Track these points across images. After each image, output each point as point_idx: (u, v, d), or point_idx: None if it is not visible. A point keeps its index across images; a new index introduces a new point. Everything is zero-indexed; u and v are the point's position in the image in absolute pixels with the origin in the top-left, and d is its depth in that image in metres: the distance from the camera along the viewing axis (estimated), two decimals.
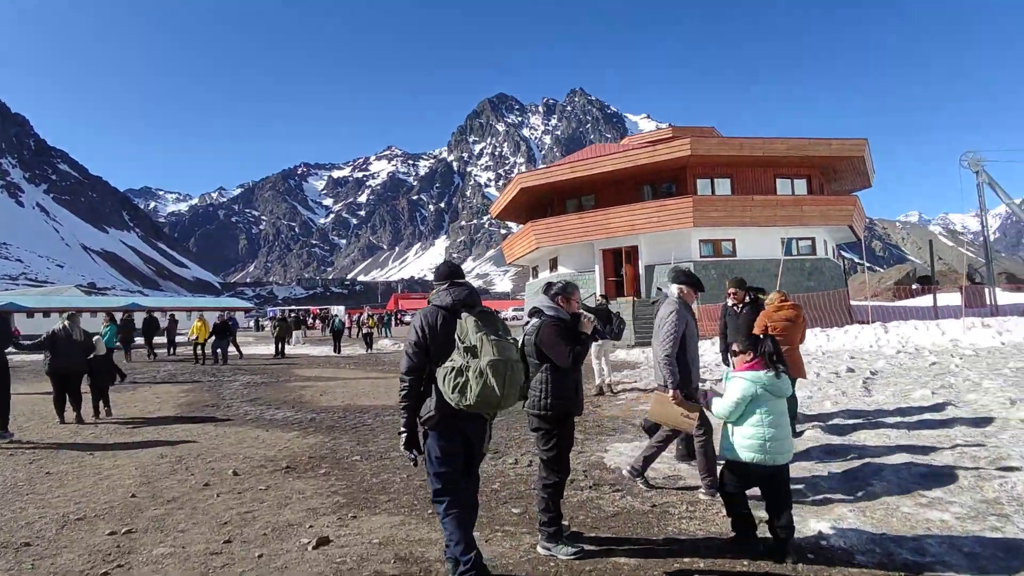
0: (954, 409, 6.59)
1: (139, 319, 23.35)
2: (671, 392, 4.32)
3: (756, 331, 6.12)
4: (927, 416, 6.29)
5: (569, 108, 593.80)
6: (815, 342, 13.73)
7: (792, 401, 6.71)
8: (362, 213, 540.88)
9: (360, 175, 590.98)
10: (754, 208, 23.35)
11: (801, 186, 25.94)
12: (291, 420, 8.41)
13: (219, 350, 18.96)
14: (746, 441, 3.33)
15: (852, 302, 26.91)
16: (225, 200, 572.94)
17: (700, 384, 4.42)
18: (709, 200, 23.28)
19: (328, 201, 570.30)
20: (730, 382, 3.49)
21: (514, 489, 4.79)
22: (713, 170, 24.81)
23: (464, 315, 2.98)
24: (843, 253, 35.62)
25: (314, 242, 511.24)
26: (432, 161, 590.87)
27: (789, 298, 6.57)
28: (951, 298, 39.33)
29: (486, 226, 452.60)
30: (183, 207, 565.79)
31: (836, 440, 5.73)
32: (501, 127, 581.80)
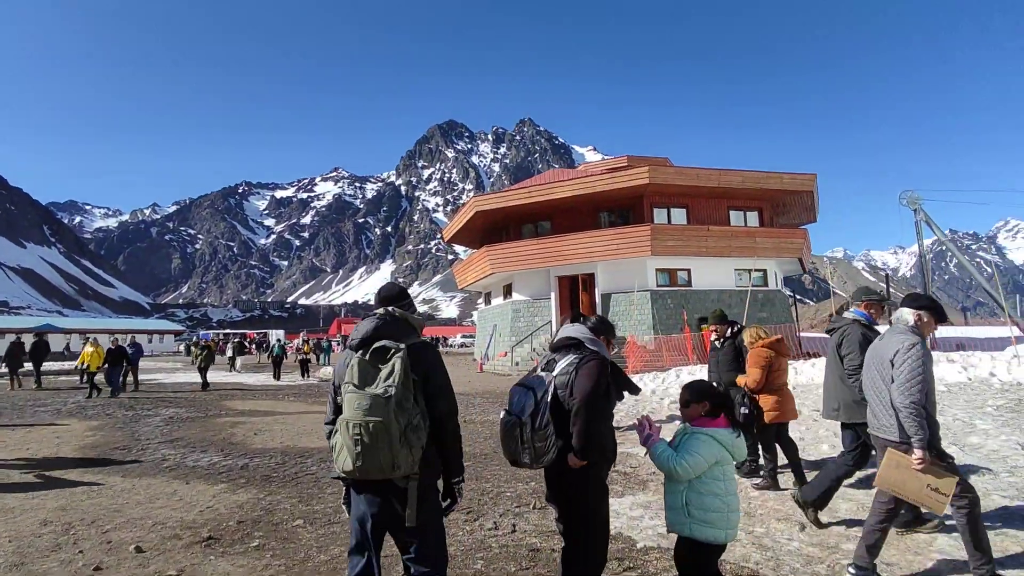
0: (962, 454, 6.07)
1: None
2: (917, 453, 3.23)
3: (750, 381, 5.41)
4: None
5: (518, 137, 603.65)
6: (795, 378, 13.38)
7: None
8: (305, 235, 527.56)
9: (305, 196, 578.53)
10: (710, 238, 23.38)
11: (753, 218, 26.31)
12: (218, 468, 7.12)
13: (114, 379, 16.49)
14: (710, 515, 2.64)
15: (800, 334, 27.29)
16: (159, 217, 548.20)
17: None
18: (666, 229, 23.16)
19: (270, 221, 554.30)
20: (692, 439, 2.78)
21: (502, 568, 3.83)
22: (670, 199, 24.83)
23: (351, 356, 2.44)
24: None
25: (254, 263, 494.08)
26: (380, 184, 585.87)
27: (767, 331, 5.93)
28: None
29: (433, 251, 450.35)
30: (112, 223, 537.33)
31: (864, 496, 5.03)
32: (451, 153, 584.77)
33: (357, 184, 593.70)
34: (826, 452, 6.69)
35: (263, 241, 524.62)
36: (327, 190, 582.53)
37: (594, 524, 2.85)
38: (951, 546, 3.82)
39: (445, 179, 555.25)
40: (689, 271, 23.98)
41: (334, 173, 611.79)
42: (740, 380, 5.74)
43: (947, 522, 4.00)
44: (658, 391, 13.52)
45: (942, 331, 30.87)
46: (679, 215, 25.12)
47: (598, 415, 2.77)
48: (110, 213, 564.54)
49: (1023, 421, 7.66)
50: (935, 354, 13.80)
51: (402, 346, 2.37)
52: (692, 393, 2.88)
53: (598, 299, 24.02)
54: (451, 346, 65.52)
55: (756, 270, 25.13)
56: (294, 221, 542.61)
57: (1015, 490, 4.83)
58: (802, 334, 34.16)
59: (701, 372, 14.96)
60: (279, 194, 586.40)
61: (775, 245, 24.39)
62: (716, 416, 2.80)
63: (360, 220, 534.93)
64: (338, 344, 65.18)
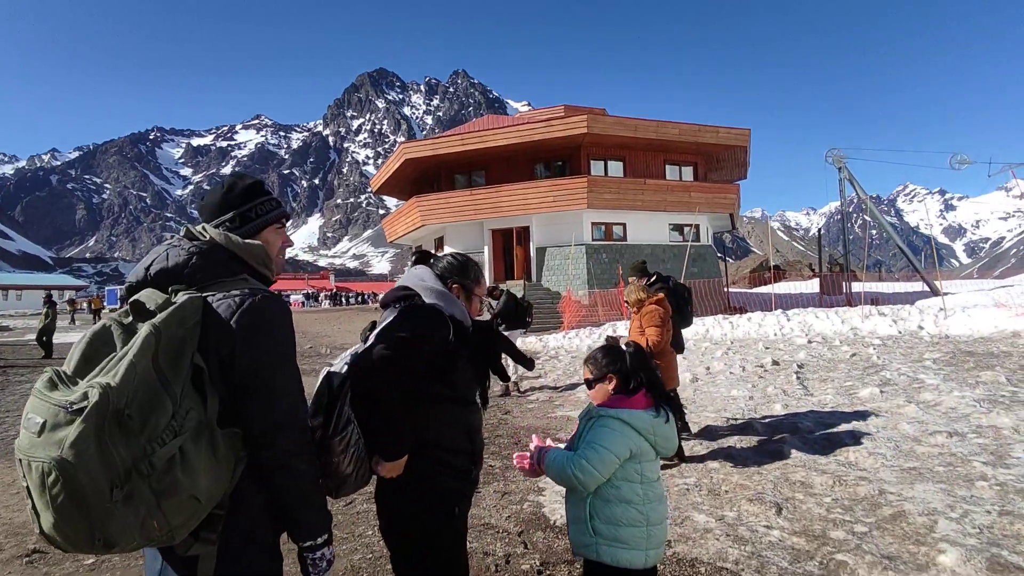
0: (921, 412, 5.69)
1: None
2: None
3: (652, 340, 4.66)
4: (906, 427, 5.28)
5: (452, 90, 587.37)
6: (720, 330, 13.11)
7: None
8: None
9: (224, 144, 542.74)
10: (646, 192, 22.95)
11: (688, 173, 26.10)
12: None
13: None
14: (622, 531, 1.88)
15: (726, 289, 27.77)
16: (59, 164, 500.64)
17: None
18: (603, 181, 22.50)
19: (187, 171, 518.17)
20: (598, 424, 1.97)
21: None
22: (607, 151, 24.13)
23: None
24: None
25: (169, 215, 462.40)
26: (306, 134, 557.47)
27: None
28: (799, 285, 42.74)
29: (364, 205, 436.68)
30: (8, 170, 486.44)
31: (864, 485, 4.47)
32: (381, 103, 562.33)
33: (282, 133, 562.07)
34: (778, 412, 6.20)
35: (179, 192, 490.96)
36: (249, 139, 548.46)
37: (425, 566, 1.81)
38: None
39: (376, 130, 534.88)
40: (625, 225, 23.56)
41: (256, 121, 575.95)
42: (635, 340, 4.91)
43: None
44: (593, 347, 12.97)
45: (857, 286, 32.30)
46: (616, 168, 24.53)
47: (395, 396, 1.69)
48: (5, 159, 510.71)
49: (964, 374, 7.49)
50: (865, 307, 13.93)
51: (181, 296, 1.30)
52: (596, 364, 2.05)
53: (533, 253, 23.28)
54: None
55: (690, 225, 25.07)
56: (213, 171, 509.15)
57: (989, 454, 4.40)
58: (728, 288, 34.95)
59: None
60: (196, 142, 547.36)
61: (709, 200, 24.27)
62: (633, 392, 1.97)
63: (285, 171, 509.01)
64: None
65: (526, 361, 4.85)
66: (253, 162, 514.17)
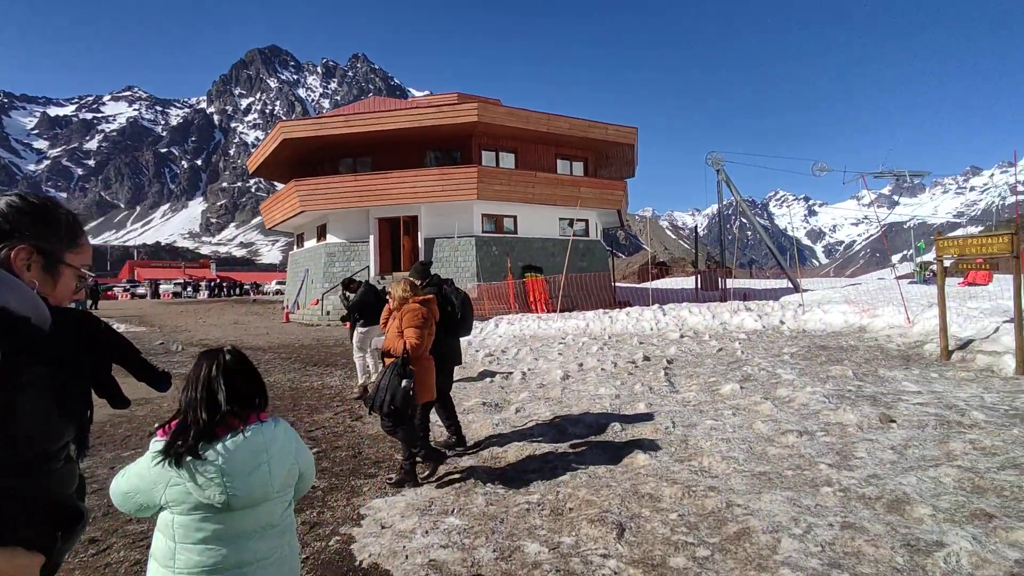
0: (775, 410, 5.66)
1: None
2: None
3: (410, 342, 4.12)
4: (761, 426, 5.18)
5: (351, 74, 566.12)
6: (599, 324, 13.08)
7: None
8: (91, 163, 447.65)
9: (89, 116, 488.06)
10: (537, 185, 22.82)
11: (579, 168, 26.35)
12: None
13: None
14: None
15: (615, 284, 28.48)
16: None
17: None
18: (494, 172, 22.10)
19: (41, 144, 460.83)
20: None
21: None
22: (499, 142, 23.76)
23: None
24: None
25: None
26: (187, 111, 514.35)
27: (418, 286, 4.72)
28: (682, 281, 45.07)
29: (253, 190, 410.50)
30: None
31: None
32: (273, 83, 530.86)
33: (158, 108, 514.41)
34: (641, 410, 5.97)
35: (32, 167, 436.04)
36: (119, 111, 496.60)
37: None
38: None
39: (267, 111, 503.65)
40: (515, 218, 23.31)
41: (128, 92, 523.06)
42: (390, 343, 4.33)
43: None
44: (474, 343, 12.46)
45: (732, 282, 34.38)
46: (508, 159, 24.24)
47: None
48: None
49: (817, 369, 7.74)
50: (734, 303, 14.49)
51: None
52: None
53: (421, 243, 22.44)
54: (266, 293, 59.79)
55: (579, 219, 25.31)
56: (75, 145, 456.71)
57: (835, 454, 4.32)
58: (616, 283, 35.93)
59: (523, 321, 14.27)
60: (53, 111, 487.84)
61: (598, 195, 24.60)
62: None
63: (163, 150, 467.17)
64: (125, 291, 56.07)
65: (154, 381, 3.29)
66: (124, 137, 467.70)
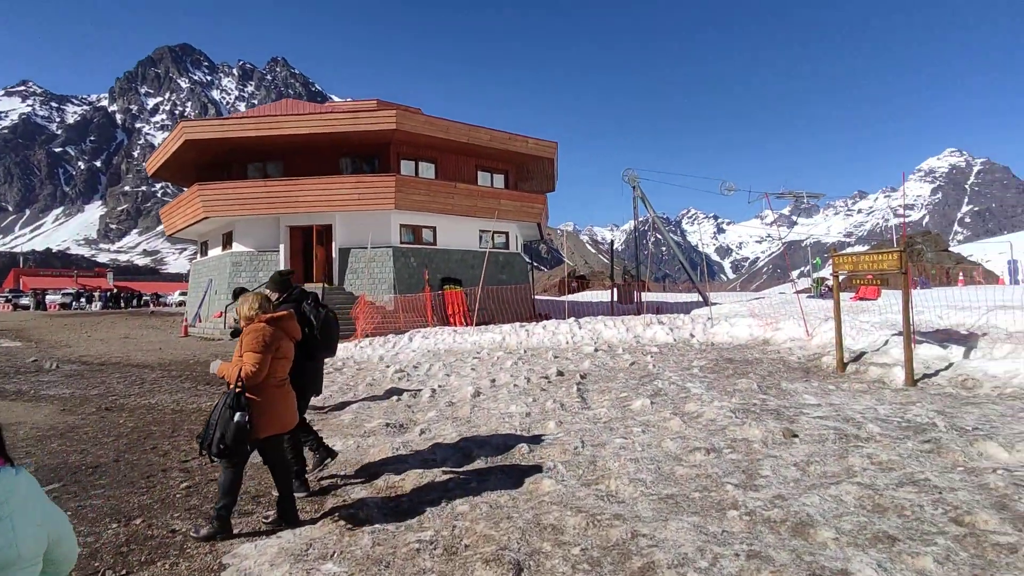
0: (685, 426, 5.59)
1: None
2: None
3: (247, 369, 3.58)
4: (669, 444, 5.07)
5: (269, 77, 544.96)
6: (516, 338, 12.87)
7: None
8: None
9: None
10: (457, 196, 22.53)
11: (499, 180, 26.31)
12: None
13: None
14: None
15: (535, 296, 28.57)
16: None
17: None
18: (413, 182, 21.60)
19: None
20: None
21: None
22: (418, 151, 23.32)
23: None
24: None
25: None
26: (86, 108, 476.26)
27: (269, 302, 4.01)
28: (601, 294, 46.16)
29: (159, 195, 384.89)
30: None
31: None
32: (184, 83, 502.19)
33: (53, 104, 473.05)
34: (551, 430, 5.74)
35: None
36: (11, 108, 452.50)
37: None
38: None
39: (177, 112, 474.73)
40: (435, 229, 22.88)
41: (22, 87, 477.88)
42: (223, 369, 3.74)
43: None
44: (386, 357, 11.91)
45: (647, 296, 35.44)
46: (427, 169, 23.83)
47: None
48: None
49: (724, 382, 7.84)
50: (648, 316, 14.72)
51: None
52: None
53: (335, 254, 21.54)
54: (167, 304, 55.78)
55: (500, 232, 25.22)
56: None
57: (741, 472, 4.24)
58: (535, 296, 36.12)
59: (438, 335, 13.83)
60: None
61: (518, 208, 24.60)
62: None
63: (57, 149, 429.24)
64: (8, 301, 50.48)
65: None
66: (15, 135, 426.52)
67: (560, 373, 8.72)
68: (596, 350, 11.27)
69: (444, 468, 4.71)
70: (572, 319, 14.23)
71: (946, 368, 7.74)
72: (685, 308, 23.82)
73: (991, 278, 43.27)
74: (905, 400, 6.50)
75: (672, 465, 4.48)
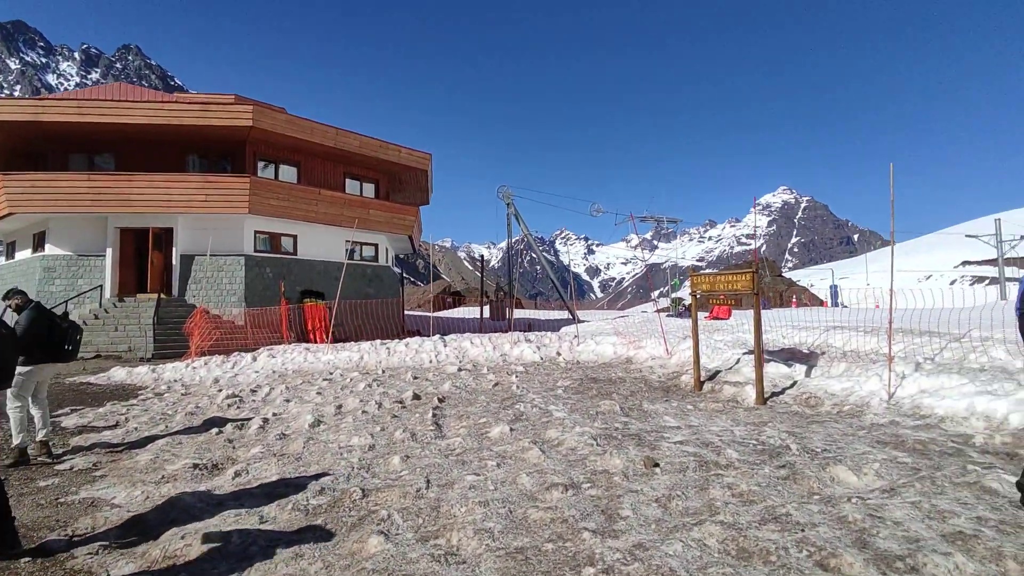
0: (544, 457, 5.10)
1: None
2: None
3: None
4: (525, 481, 4.53)
5: (119, 65, 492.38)
6: (375, 356, 11.92)
7: None
8: None
9: None
10: (322, 203, 21.05)
11: (369, 190, 25.10)
12: None
13: None
14: None
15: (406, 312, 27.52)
16: None
17: None
18: (270, 185, 19.85)
19: None
20: None
21: None
22: (279, 153, 21.55)
23: None
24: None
25: None
26: None
27: None
28: (475, 310, 46.07)
29: None
30: None
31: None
32: (15, 63, 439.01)
33: None
34: (395, 468, 4.99)
35: None
36: None
37: None
38: None
39: (3, 95, 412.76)
40: (295, 237, 21.18)
41: None
42: None
43: None
44: (222, 380, 10.43)
45: (519, 312, 35.70)
46: (289, 173, 22.08)
47: None
48: None
49: (587, 404, 7.55)
50: (515, 334, 14.41)
51: None
52: None
53: (176, 261, 19.13)
54: None
55: (368, 243, 23.98)
56: None
57: (600, 513, 3.78)
58: (408, 312, 35.05)
59: (288, 354, 12.50)
60: None
61: (388, 219, 23.55)
62: None
63: None
64: None
65: None
66: None
67: (417, 397, 7.96)
68: (460, 370, 10.65)
69: (249, 525, 3.79)
70: (437, 337, 13.53)
71: (791, 386, 8.03)
72: (555, 325, 24.06)
73: (815, 301, 49.02)
74: (757, 420, 6.54)
75: (526, 507, 3.92)
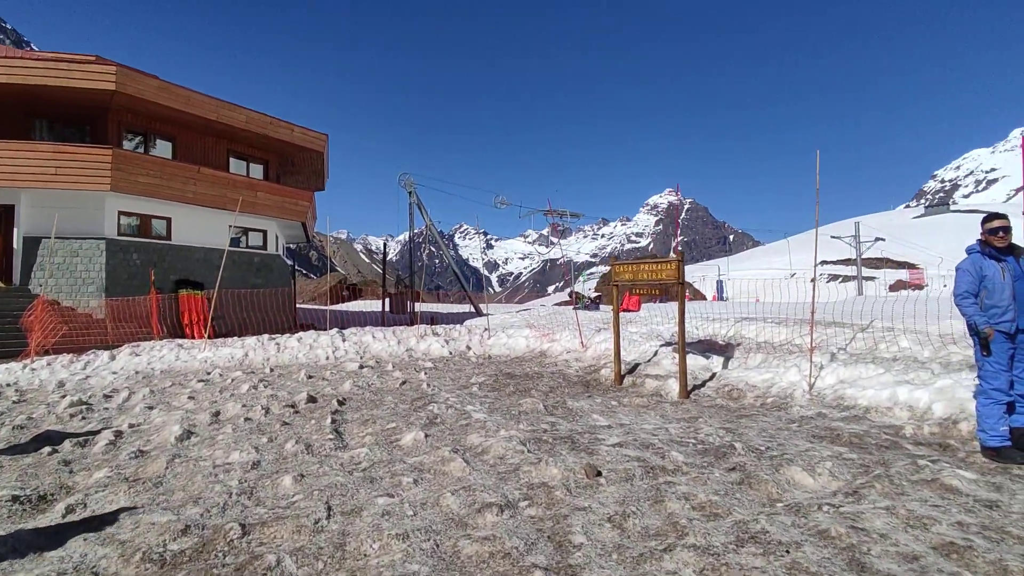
0: (466, 467, 4.39)
1: None
2: None
3: None
4: (450, 500, 3.78)
5: None
6: (262, 353, 10.58)
7: None
8: None
9: None
10: (201, 183, 18.85)
11: (258, 171, 22.98)
12: None
13: None
14: None
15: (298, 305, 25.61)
16: None
17: None
18: (139, 159, 17.45)
19: None
20: None
21: None
22: (150, 124, 19.06)
23: None
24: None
25: None
26: None
27: None
28: (373, 304, 44.38)
29: None
30: None
31: None
32: None
33: None
34: (286, 491, 4.05)
35: None
36: None
37: None
38: None
39: None
40: (169, 220, 18.84)
41: None
42: None
43: None
44: (69, 383, 8.71)
45: (420, 306, 34.60)
46: (163, 149, 19.63)
47: None
48: None
49: (507, 402, 6.92)
50: (422, 327, 13.52)
51: None
52: None
53: (18, 243, 16.36)
54: None
55: (256, 229, 21.94)
56: None
57: (547, 540, 3.11)
58: (301, 305, 32.94)
59: (156, 351, 10.84)
60: None
61: (279, 204, 21.65)
62: None
63: None
64: None
65: None
66: None
67: (312, 399, 6.93)
68: (362, 367, 9.63)
69: None
70: (335, 330, 12.35)
71: (711, 378, 7.85)
72: (459, 319, 23.32)
73: (699, 295, 52.08)
74: (687, 416, 6.21)
75: (456, 537, 3.17)
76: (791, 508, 3.46)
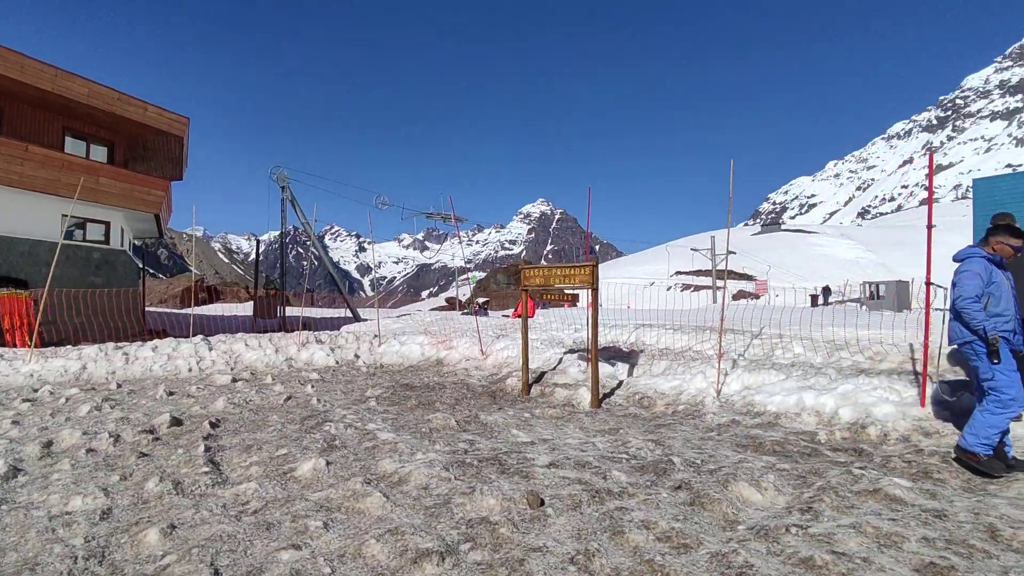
0: (386, 502, 3.72)
1: None
2: None
3: None
4: (375, 549, 3.11)
5: None
6: (106, 366, 8.90)
7: None
8: None
9: None
10: (29, 163, 15.96)
11: (100, 153, 20.01)
12: None
13: None
14: None
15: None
16: None
17: None
18: None
19: None
20: None
21: None
22: None
23: None
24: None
25: None
26: None
27: None
28: (236, 307, 40.98)
29: None
30: None
31: None
32: None
33: None
34: (151, 549, 3.14)
35: None
36: None
37: None
38: None
39: None
40: None
41: None
42: None
43: None
44: None
45: (291, 310, 32.24)
46: None
47: None
48: None
49: (412, 417, 6.26)
50: (303, 334, 12.31)
51: None
52: None
53: None
54: None
55: (96, 221, 19.02)
56: None
57: None
58: (150, 308, 29.50)
59: None
60: None
61: (127, 192, 18.92)
62: None
63: None
64: None
65: None
66: None
67: (177, 422, 5.77)
68: (235, 380, 8.41)
69: None
70: (199, 337, 10.81)
71: (619, 386, 7.72)
72: (334, 324, 21.91)
73: (570, 301, 54.13)
74: (606, 427, 5.95)
75: None
76: (757, 532, 3.22)
